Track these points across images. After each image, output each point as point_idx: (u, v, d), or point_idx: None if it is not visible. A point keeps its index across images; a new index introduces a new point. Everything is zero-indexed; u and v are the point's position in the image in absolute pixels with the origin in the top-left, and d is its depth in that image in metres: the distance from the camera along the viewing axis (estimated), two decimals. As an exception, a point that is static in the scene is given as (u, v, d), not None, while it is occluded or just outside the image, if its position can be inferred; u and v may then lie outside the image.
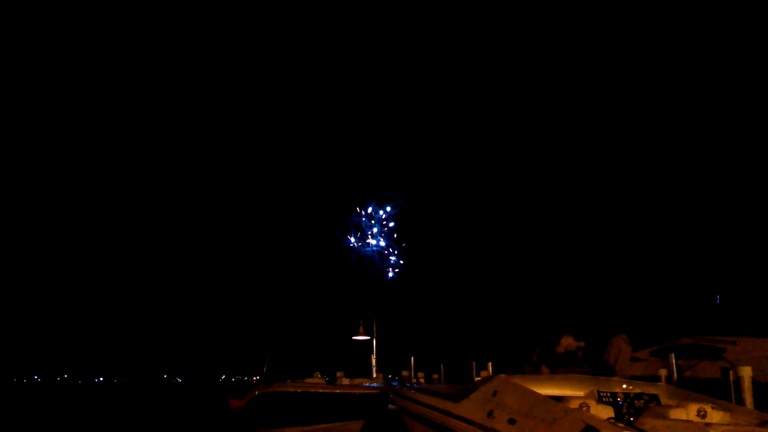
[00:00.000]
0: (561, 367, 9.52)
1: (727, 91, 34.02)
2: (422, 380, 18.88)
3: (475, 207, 40.79)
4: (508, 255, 40.45)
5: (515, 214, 41.15)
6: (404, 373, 20.35)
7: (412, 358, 19.71)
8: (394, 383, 17.38)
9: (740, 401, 8.87)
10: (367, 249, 37.82)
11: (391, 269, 37.32)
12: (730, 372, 9.39)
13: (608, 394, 7.60)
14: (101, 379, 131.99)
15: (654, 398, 7.60)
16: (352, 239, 37.98)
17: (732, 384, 9.20)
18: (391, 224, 37.77)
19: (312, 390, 16.15)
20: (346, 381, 17.66)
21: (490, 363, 15.18)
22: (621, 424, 5.80)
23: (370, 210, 38.02)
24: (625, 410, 7.37)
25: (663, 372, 11.07)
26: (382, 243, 37.50)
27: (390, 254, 37.23)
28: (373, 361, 20.62)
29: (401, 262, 37.21)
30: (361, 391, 15.50)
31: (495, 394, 7.66)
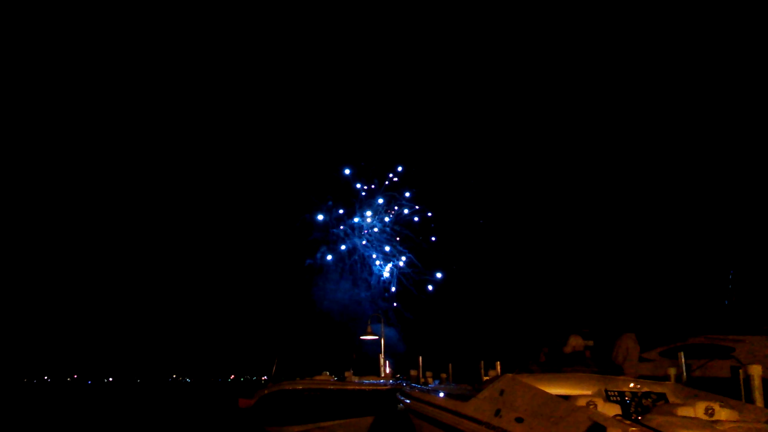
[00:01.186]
0: (569, 366, 9.53)
1: (735, 89, 33.80)
2: (430, 380, 18.91)
3: (482, 206, 40.70)
4: (516, 254, 40.36)
5: (522, 213, 41.03)
6: (412, 372, 20.38)
7: (421, 357, 19.74)
8: (403, 383, 17.43)
9: (750, 400, 8.83)
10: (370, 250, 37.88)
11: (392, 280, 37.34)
12: (740, 371, 9.36)
13: (616, 393, 7.60)
14: (111, 379, 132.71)
15: (662, 397, 7.60)
16: (357, 239, 38.02)
17: (742, 383, 9.17)
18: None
19: (321, 387, 16.22)
20: (355, 379, 17.73)
21: (498, 363, 15.17)
22: (627, 421, 5.82)
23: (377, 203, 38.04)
24: (632, 409, 7.38)
25: (672, 371, 11.03)
26: (387, 249, 37.51)
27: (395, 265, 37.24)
28: (381, 360, 20.67)
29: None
30: (370, 388, 15.55)
31: (502, 393, 7.69)
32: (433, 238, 37.92)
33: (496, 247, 40.14)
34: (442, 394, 10.12)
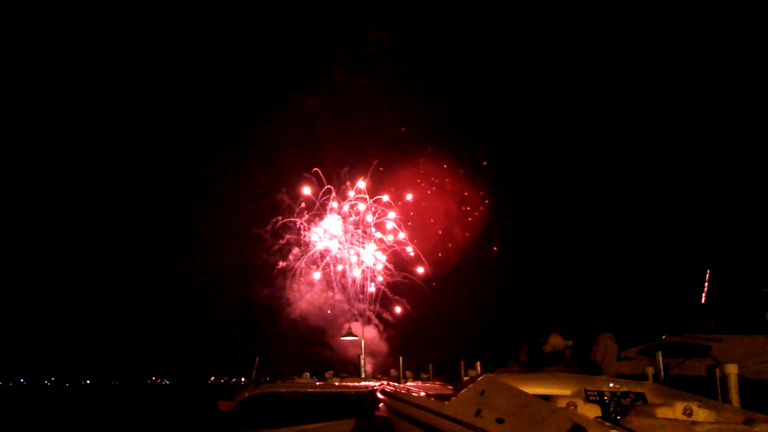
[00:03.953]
0: (549, 366, 9.54)
1: (707, 91, 34.35)
2: (411, 379, 18.90)
3: (461, 205, 40.72)
4: (495, 254, 40.54)
5: (501, 212, 41.16)
6: (393, 372, 20.36)
7: (401, 357, 19.72)
8: (383, 383, 17.38)
9: (727, 398, 8.92)
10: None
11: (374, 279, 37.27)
12: (717, 369, 9.45)
13: (595, 393, 7.62)
14: (88, 381, 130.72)
15: (640, 397, 7.64)
16: (330, 241, 37.84)
17: (718, 381, 9.25)
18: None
19: (302, 390, 16.10)
20: (336, 381, 17.63)
21: (478, 362, 15.19)
22: (608, 423, 5.83)
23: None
24: (612, 409, 7.40)
25: (650, 370, 11.12)
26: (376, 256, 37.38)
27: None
28: (362, 361, 20.61)
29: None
30: (351, 390, 15.47)
31: (483, 393, 7.66)
32: (411, 238, 37.85)
33: (476, 247, 40.25)
34: (422, 394, 10.08)
